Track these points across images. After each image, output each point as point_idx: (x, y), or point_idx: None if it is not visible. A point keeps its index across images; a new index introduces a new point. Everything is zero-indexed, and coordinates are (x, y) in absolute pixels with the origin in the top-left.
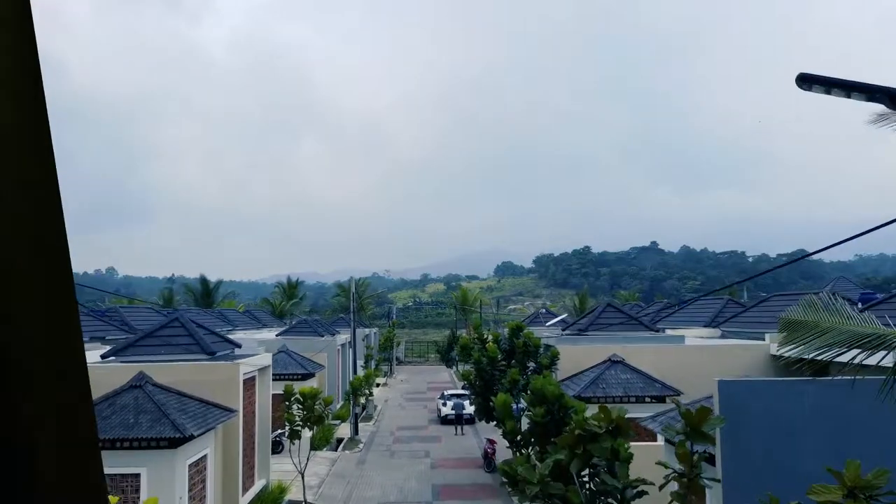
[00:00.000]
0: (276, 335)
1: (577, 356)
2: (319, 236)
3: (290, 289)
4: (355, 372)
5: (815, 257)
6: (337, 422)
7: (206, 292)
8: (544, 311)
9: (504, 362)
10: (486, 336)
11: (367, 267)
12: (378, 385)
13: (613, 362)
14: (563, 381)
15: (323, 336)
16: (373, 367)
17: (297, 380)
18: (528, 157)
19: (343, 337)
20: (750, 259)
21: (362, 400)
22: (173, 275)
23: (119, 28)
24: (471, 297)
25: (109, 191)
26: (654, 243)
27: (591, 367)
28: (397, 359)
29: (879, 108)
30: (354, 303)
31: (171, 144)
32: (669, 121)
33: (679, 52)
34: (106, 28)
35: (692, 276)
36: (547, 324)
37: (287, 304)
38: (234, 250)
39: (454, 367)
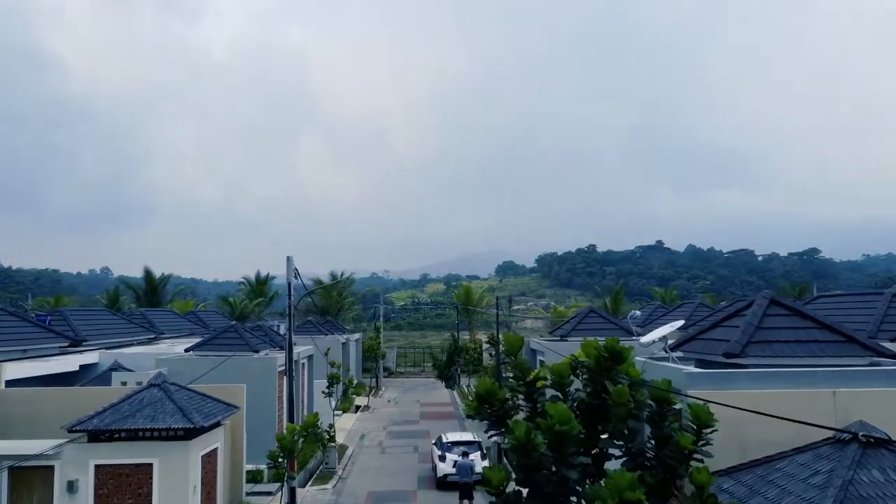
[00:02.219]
0: (186, 350)
1: (746, 422)
2: (318, 236)
3: (259, 286)
4: (290, 414)
5: (825, 256)
6: (273, 489)
7: (150, 289)
8: (636, 314)
9: (581, 435)
10: (536, 375)
11: (366, 267)
12: (358, 408)
13: (866, 443)
14: (720, 473)
15: (258, 352)
16: (339, 395)
17: (175, 440)
18: (528, 157)
19: (298, 350)
20: (759, 258)
21: (316, 455)
22: (163, 274)
23: (118, 28)
24: (474, 296)
25: (108, 190)
26: (659, 242)
27: (797, 453)
28: (387, 370)
29: None
30: (291, 297)
31: (170, 144)
32: (669, 121)
33: (679, 50)
34: (105, 28)
35: (702, 276)
36: (642, 339)
37: (250, 304)
38: (232, 250)
39: (455, 387)
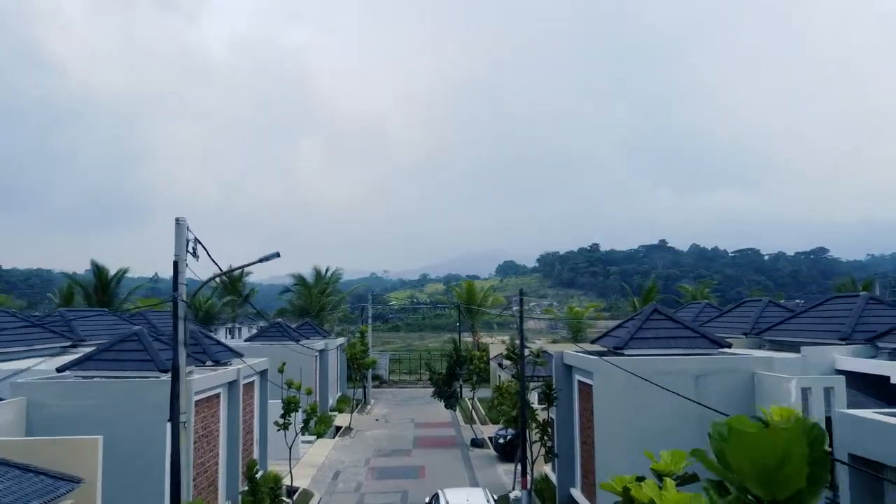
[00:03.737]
0: (59, 369)
1: None
2: (318, 236)
3: (232, 283)
4: (174, 483)
5: (831, 256)
6: None
7: (101, 286)
8: None
9: None
10: None
11: (366, 267)
12: (338, 430)
13: None
14: None
15: (159, 375)
16: (297, 426)
17: None
18: (528, 158)
19: (239, 368)
20: (766, 258)
21: None
22: (156, 274)
23: (117, 28)
24: (478, 294)
25: (107, 190)
26: (663, 241)
27: None
28: (378, 379)
29: None
30: (181, 284)
31: (169, 145)
32: (670, 121)
33: (681, 51)
34: (104, 28)
35: (708, 275)
36: None
37: (219, 302)
38: (232, 250)
39: (457, 408)
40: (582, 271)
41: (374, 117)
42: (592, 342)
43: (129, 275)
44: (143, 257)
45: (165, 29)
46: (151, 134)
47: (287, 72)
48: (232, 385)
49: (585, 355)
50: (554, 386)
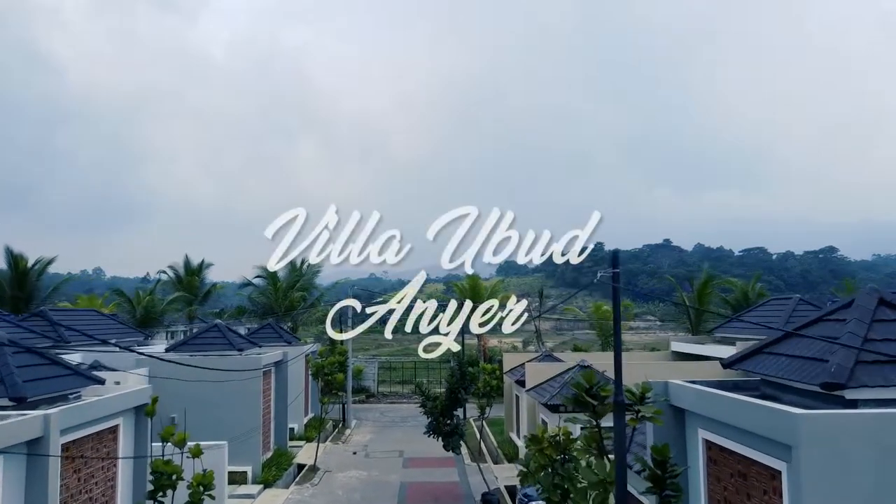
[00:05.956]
0: None
1: None
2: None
3: (189, 276)
4: None
5: (839, 255)
6: None
7: (17, 280)
8: None
9: None
10: None
11: (365, 268)
12: (300, 470)
13: None
14: None
15: None
16: None
17: None
18: (528, 157)
19: (37, 414)
20: (774, 257)
21: None
22: (147, 274)
23: (116, 27)
24: (484, 293)
25: (106, 191)
26: (667, 241)
27: None
28: (365, 392)
29: None
30: None
31: (168, 145)
32: (670, 120)
33: (680, 51)
34: (103, 27)
35: (716, 275)
36: None
37: (163, 301)
38: (231, 250)
39: (459, 450)
40: (585, 271)
41: (373, 117)
42: (727, 366)
43: (126, 275)
44: (142, 256)
45: (165, 29)
46: (151, 134)
47: (287, 71)
48: (33, 445)
49: (750, 400)
50: (671, 459)
